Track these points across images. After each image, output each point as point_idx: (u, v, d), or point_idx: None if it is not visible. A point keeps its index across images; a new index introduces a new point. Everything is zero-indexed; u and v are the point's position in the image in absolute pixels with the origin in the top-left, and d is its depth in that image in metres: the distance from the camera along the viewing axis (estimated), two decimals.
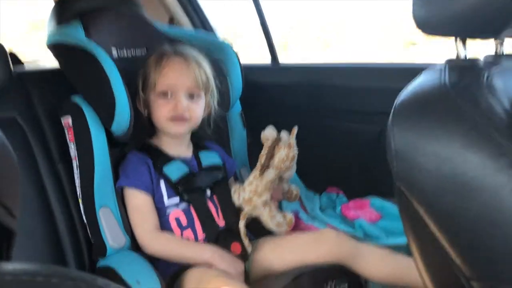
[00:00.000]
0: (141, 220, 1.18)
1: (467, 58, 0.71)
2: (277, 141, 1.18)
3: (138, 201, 1.18)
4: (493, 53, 0.80)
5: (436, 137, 0.60)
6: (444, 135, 0.59)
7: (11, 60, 1.20)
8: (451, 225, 0.59)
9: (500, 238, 0.54)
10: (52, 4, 1.34)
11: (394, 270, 1.13)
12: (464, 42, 0.74)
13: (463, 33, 0.71)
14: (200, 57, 1.27)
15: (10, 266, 0.25)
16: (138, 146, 1.26)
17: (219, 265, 1.11)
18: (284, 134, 1.19)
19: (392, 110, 0.68)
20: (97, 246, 1.16)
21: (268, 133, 1.20)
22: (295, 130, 1.20)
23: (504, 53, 0.81)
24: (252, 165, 1.48)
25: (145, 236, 1.17)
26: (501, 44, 0.83)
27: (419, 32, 0.72)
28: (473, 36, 0.72)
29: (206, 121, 1.32)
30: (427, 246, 0.66)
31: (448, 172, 0.58)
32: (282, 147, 1.17)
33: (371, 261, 1.14)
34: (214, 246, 1.16)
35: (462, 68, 0.69)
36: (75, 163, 1.16)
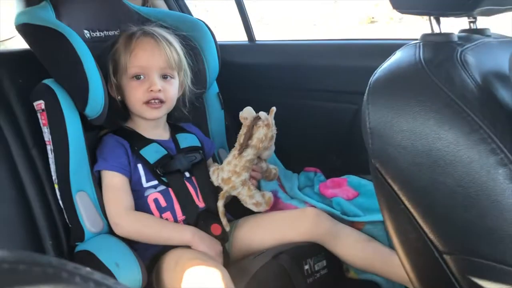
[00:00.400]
0: (116, 199, 1.15)
1: (441, 33, 0.71)
2: (255, 120, 1.18)
3: (114, 181, 1.16)
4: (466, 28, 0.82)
5: (412, 114, 0.61)
6: (419, 112, 0.60)
7: None
8: (426, 199, 0.60)
9: (474, 212, 0.55)
10: None
11: (368, 256, 1.14)
12: (437, 20, 0.75)
13: (437, 10, 0.72)
14: (170, 35, 1.25)
15: None
16: (114, 129, 1.24)
17: (198, 247, 1.11)
18: (262, 114, 1.19)
19: (367, 88, 0.68)
20: (75, 231, 1.14)
21: (247, 113, 1.20)
22: (273, 110, 1.20)
23: (477, 28, 0.83)
24: (230, 146, 1.48)
25: (119, 214, 1.14)
26: (474, 21, 0.84)
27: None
28: (447, 14, 0.73)
29: (181, 101, 1.31)
30: (401, 222, 0.67)
31: (423, 148, 0.59)
32: (261, 127, 1.17)
33: (347, 244, 1.15)
34: (193, 228, 1.15)
35: (436, 44, 0.69)
36: (49, 148, 1.14)
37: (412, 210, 0.62)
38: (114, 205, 1.15)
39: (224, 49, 1.45)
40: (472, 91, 0.59)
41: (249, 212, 1.23)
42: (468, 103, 0.57)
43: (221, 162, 1.39)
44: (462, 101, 0.58)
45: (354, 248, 1.15)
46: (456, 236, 0.59)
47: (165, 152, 1.22)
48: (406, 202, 0.62)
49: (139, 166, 1.19)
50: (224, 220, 1.19)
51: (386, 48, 1.34)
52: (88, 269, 0.26)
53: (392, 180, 0.63)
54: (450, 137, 0.57)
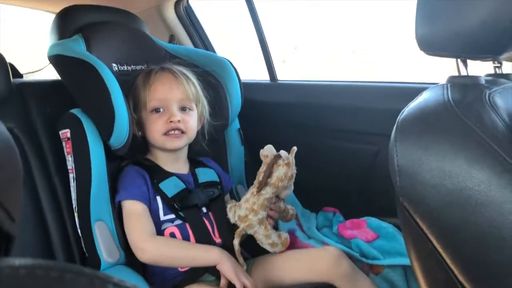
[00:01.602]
0: (139, 225, 1.14)
1: (469, 75, 0.72)
2: (276, 159, 1.18)
3: (136, 208, 1.16)
4: (491, 72, 0.82)
5: (441, 152, 0.60)
6: (449, 151, 0.59)
7: (11, 71, 1.20)
8: (456, 240, 0.59)
9: (507, 253, 0.54)
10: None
11: None
12: (464, 63, 0.76)
13: (464, 53, 0.73)
14: (187, 71, 1.28)
15: (22, 260, 0.25)
16: (135, 161, 1.26)
17: (224, 265, 1.09)
18: (283, 152, 1.19)
19: (395, 126, 0.68)
20: (92, 260, 1.14)
21: (267, 151, 1.20)
22: (294, 149, 1.20)
23: (502, 73, 0.83)
24: (248, 182, 1.48)
25: (144, 239, 1.12)
26: (499, 66, 0.85)
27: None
28: (474, 57, 0.74)
29: (200, 134, 1.32)
30: (429, 263, 0.65)
31: (453, 187, 0.58)
32: (281, 166, 1.17)
33: None
34: (219, 248, 1.14)
35: (464, 86, 0.70)
36: (71, 176, 1.16)
37: (441, 250, 0.60)
38: (138, 231, 1.14)
39: (247, 87, 1.48)
40: (502, 131, 0.59)
41: (266, 251, 1.21)
42: (500, 142, 0.57)
43: (239, 198, 1.39)
44: (493, 140, 0.57)
45: None
46: (488, 280, 0.57)
47: (184, 186, 1.22)
48: (435, 242, 0.61)
49: (158, 198, 1.19)
50: (240, 259, 1.17)
51: (407, 91, 1.36)
52: (133, 284, 0.26)
53: (420, 219, 0.62)
54: (482, 176, 0.56)
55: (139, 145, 1.26)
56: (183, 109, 1.23)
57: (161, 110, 1.21)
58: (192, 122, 1.25)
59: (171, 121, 1.19)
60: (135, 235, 1.14)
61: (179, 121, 1.20)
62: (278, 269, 1.17)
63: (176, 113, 1.20)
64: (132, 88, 1.25)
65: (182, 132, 1.21)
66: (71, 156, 1.15)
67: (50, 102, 1.27)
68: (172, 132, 1.20)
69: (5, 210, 0.35)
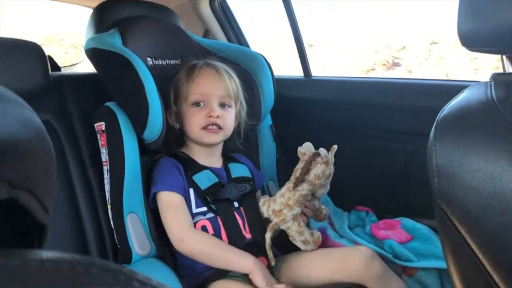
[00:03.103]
0: (178, 216, 1.14)
1: None
2: (314, 156, 1.16)
3: (173, 200, 1.16)
4: None
5: (482, 153, 0.57)
6: (491, 151, 0.56)
7: (50, 64, 1.22)
8: (497, 245, 0.56)
9: None
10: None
11: None
12: (510, 59, 0.72)
13: (511, 50, 0.69)
14: (229, 68, 1.29)
15: (49, 254, 0.25)
16: (169, 154, 1.27)
17: (256, 276, 1.07)
18: (322, 150, 1.17)
19: (435, 125, 0.66)
20: (123, 252, 1.15)
21: (305, 148, 1.19)
22: (334, 148, 1.18)
23: None
24: (280, 179, 1.47)
25: (183, 230, 1.12)
26: None
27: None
28: None
29: (236, 132, 1.32)
30: (468, 268, 0.63)
31: (495, 190, 0.55)
32: (320, 163, 1.15)
33: None
34: (254, 257, 1.12)
35: (509, 84, 0.66)
36: (106, 168, 1.17)
37: (480, 255, 0.57)
38: (177, 222, 1.14)
39: (280, 83, 1.46)
40: None
41: (296, 249, 1.20)
42: None
43: (270, 194, 1.38)
44: None
45: None
46: None
47: (217, 180, 1.23)
48: (474, 247, 0.58)
49: (191, 190, 1.20)
50: (270, 253, 1.16)
51: (445, 89, 1.31)
52: (158, 282, 0.25)
53: (459, 222, 0.60)
54: None
55: (174, 139, 1.27)
56: (222, 105, 1.24)
57: (202, 104, 1.22)
58: (229, 119, 1.25)
59: (210, 116, 1.20)
60: (173, 225, 1.14)
61: (218, 116, 1.21)
62: (307, 267, 1.16)
63: (216, 108, 1.21)
64: (174, 80, 1.27)
65: (220, 128, 1.22)
66: (105, 149, 1.17)
67: (86, 95, 1.29)
68: (210, 127, 1.21)
69: (39, 201, 0.35)
